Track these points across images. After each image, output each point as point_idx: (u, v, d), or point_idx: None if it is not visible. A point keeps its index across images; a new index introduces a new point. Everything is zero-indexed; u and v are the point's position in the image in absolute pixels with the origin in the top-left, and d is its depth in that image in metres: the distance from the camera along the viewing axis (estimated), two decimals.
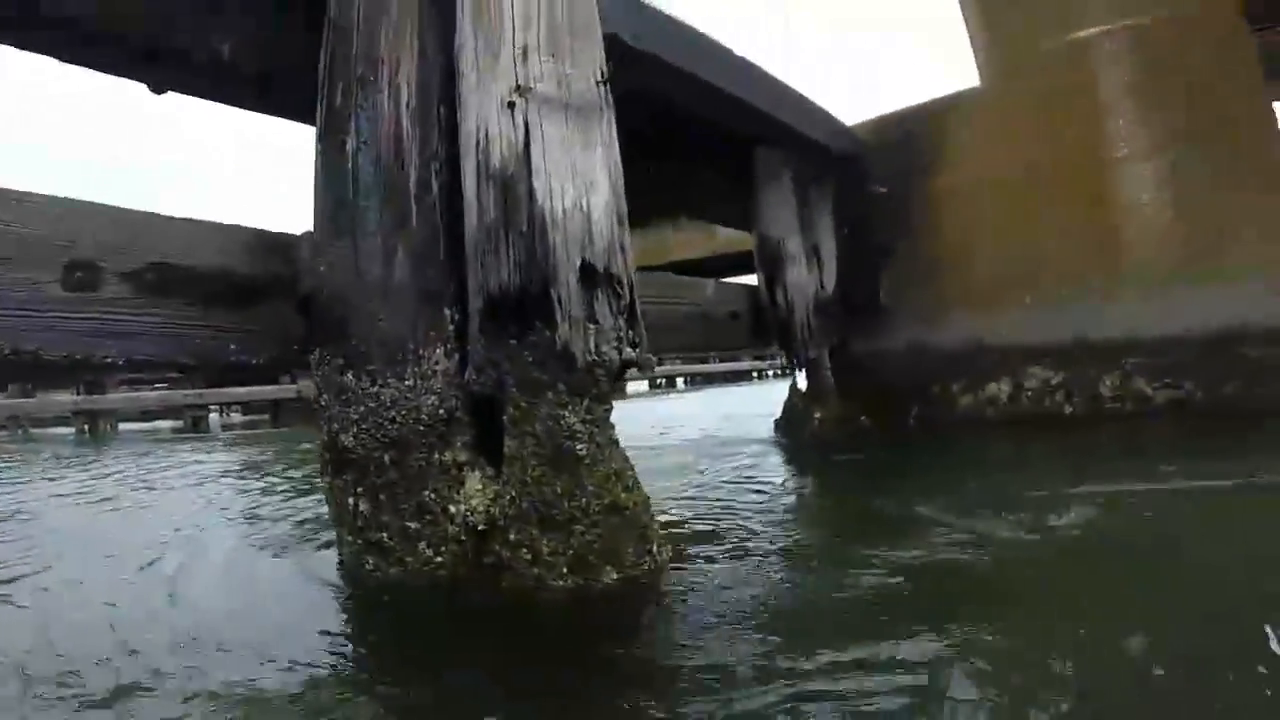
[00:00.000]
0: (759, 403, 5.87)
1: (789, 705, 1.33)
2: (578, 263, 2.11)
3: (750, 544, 2.47)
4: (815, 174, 5.49)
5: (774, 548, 2.43)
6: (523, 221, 2.13)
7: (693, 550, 2.42)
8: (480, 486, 2.21)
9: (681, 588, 2.09)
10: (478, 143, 2.24)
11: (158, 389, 12.54)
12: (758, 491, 3.48)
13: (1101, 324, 4.83)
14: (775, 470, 4.31)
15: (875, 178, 5.71)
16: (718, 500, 3.31)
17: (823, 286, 5.42)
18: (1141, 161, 4.84)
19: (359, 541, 2.28)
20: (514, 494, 2.13)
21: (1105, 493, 2.83)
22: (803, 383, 5.49)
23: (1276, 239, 4.53)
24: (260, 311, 2.48)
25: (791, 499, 3.44)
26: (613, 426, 2.15)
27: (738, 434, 6.21)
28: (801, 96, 4.97)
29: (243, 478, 5.35)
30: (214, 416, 13.05)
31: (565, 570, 2.07)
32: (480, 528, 2.17)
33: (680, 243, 7.97)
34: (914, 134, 5.65)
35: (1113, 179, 4.92)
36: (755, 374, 20.18)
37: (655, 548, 2.14)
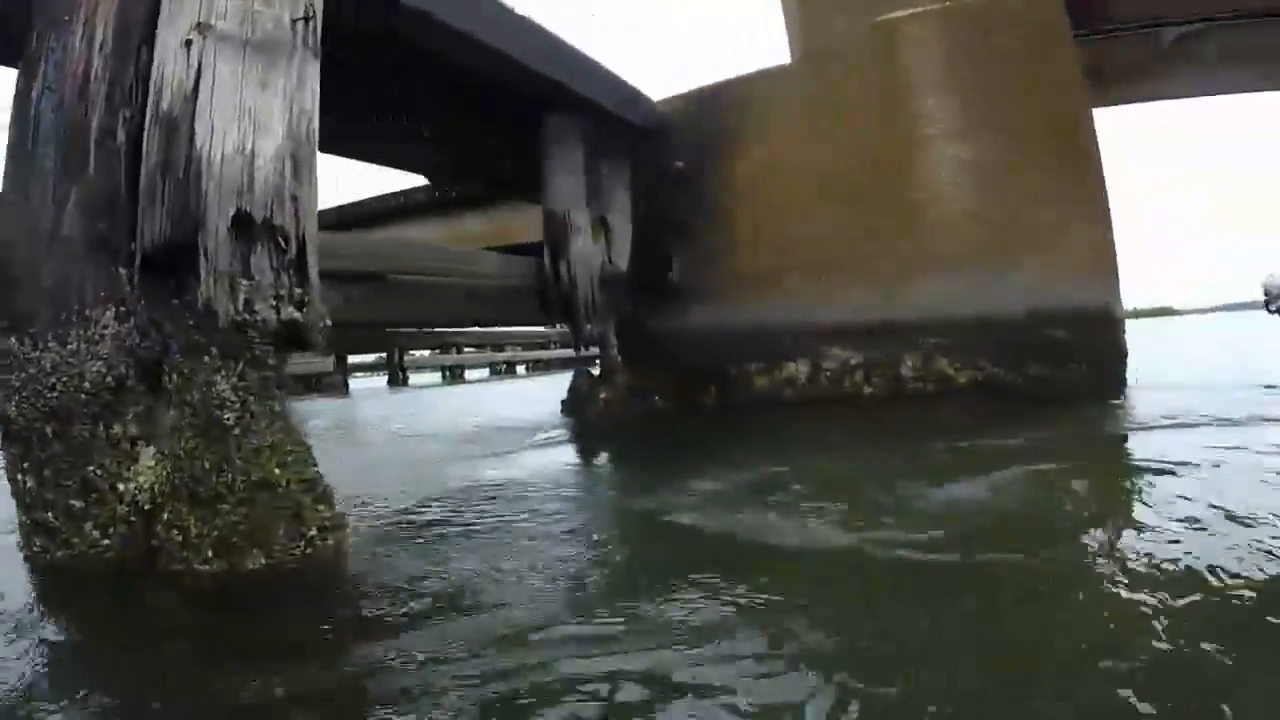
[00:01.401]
0: None
1: (422, 688, 1.22)
2: (231, 211, 1.90)
3: (453, 527, 2.23)
4: (610, 145, 5.14)
5: (477, 530, 2.19)
6: (180, 167, 1.92)
7: (400, 533, 2.21)
8: (153, 463, 2.00)
9: (351, 572, 1.88)
10: (155, 83, 2.04)
11: None
12: (497, 480, 3.17)
13: (903, 305, 4.60)
14: (535, 454, 3.94)
15: (677, 153, 5.38)
16: (454, 486, 3.00)
17: (610, 260, 5.07)
18: (946, 146, 4.58)
19: (29, 521, 2.08)
20: (169, 469, 1.92)
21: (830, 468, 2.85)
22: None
23: (1082, 224, 4.31)
24: None
25: (531, 481, 3.08)
26: (276, 395, 1.94)
27: (523, 418, 5.86)
28: (598, 64, 4.66)
29: None
30: None
31: (210, 554, 1.85)
32: (147, 507, 1.97)
33: (521, 225, 7.70)
34: (718, 110, 5.33)
35: (916, 163, 4.66)
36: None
37: (314, 531, 1.91)
